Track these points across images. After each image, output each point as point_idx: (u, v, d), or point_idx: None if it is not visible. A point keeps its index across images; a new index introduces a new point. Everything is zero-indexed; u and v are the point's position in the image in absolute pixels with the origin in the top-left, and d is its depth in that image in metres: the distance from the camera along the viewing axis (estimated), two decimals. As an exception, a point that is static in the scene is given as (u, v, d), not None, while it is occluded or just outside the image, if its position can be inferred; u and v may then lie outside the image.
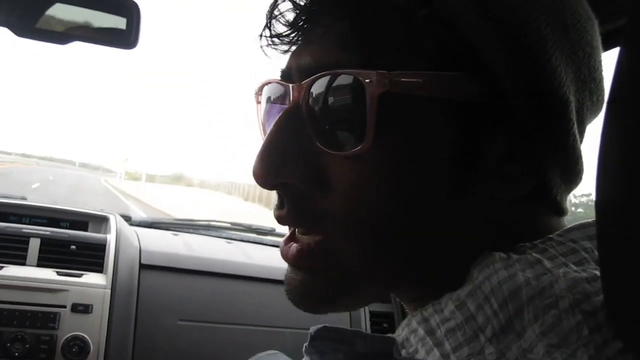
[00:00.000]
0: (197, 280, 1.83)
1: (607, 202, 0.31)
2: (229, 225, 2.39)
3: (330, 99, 0.43)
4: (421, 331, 0.42)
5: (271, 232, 2.37)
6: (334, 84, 0.43)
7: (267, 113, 0.51)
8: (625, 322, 0.31)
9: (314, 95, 0.44)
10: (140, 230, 2.04)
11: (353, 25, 0.43)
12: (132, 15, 1.13)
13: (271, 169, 0.45)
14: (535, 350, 0.37)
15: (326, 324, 0.45)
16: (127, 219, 2.15)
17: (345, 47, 0.43)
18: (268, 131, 0.46)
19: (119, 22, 1.13)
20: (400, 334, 0.45)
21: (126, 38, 1.14)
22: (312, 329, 0.46)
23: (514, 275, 0.39)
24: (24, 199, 2.13)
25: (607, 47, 0.49)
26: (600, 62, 0.47)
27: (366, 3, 0.43)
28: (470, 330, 0.39)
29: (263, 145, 0.45)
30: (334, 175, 0.44)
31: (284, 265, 0.49)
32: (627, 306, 0.31)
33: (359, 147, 0.41)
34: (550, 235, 0.44)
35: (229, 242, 2.21)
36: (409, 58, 0.42)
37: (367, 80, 0.41)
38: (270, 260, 2.03)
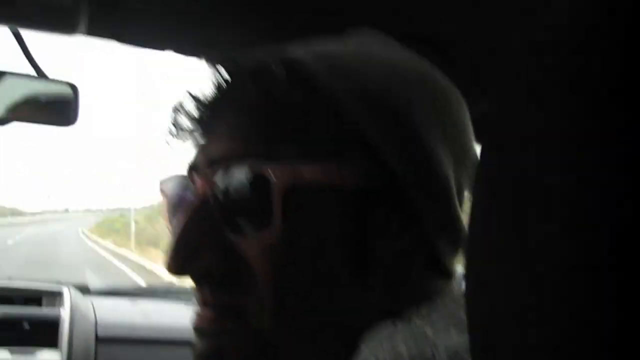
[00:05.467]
0: (155, 350, 1.80)
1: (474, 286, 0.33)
2: (188, 289, 2.37)
3: (235, 190, 0.46)
4: None
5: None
6: (239, 176, 0.46)
7: (174, 206, 0.54)
8: None
9: (220, 186, 0.47)
10: (97, 301, 2.02)
11: (253, 120, 0.47)
12: (72, 94, 1.15)
13: (185, 261, 0.47)
14: None
15: None
16: (84, 289, 2.13)
17: (248, 139, 0.47)
18: (178, 226, 0.48)
19: (59, 101, 1.15)
20: None
21: (65, 116, 1.16)
22: None
23: (397, 347, 0.42)
24: (-26, 278, 2.09)
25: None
26: (471, 138, 0.52)
27: (264, 100, 0.47)
28: None
29: (175, 241, 0.47)
30: (245, 258, 0.46)
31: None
32: None
33: (264, 233, 0.45)
34: (433, 298, 0.47)
35: (189, 307, 2.19)
36: (308, 149, 0.46)
37: (271, 173, 0.44)
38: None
